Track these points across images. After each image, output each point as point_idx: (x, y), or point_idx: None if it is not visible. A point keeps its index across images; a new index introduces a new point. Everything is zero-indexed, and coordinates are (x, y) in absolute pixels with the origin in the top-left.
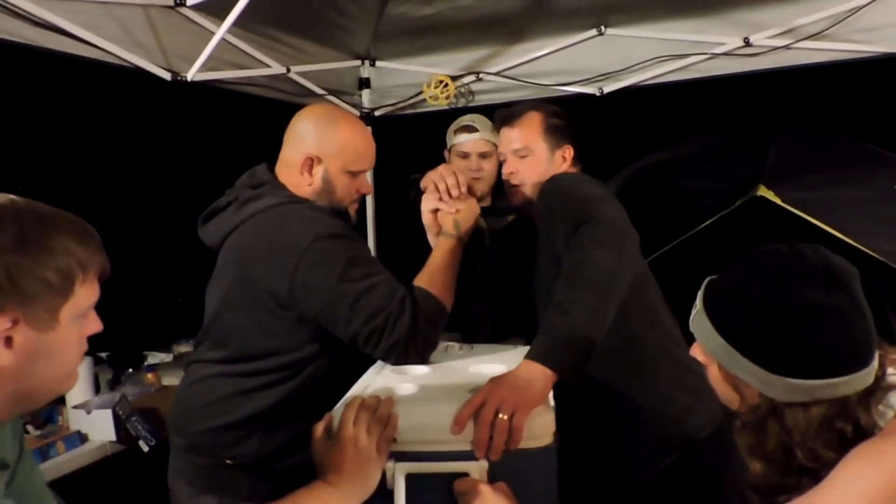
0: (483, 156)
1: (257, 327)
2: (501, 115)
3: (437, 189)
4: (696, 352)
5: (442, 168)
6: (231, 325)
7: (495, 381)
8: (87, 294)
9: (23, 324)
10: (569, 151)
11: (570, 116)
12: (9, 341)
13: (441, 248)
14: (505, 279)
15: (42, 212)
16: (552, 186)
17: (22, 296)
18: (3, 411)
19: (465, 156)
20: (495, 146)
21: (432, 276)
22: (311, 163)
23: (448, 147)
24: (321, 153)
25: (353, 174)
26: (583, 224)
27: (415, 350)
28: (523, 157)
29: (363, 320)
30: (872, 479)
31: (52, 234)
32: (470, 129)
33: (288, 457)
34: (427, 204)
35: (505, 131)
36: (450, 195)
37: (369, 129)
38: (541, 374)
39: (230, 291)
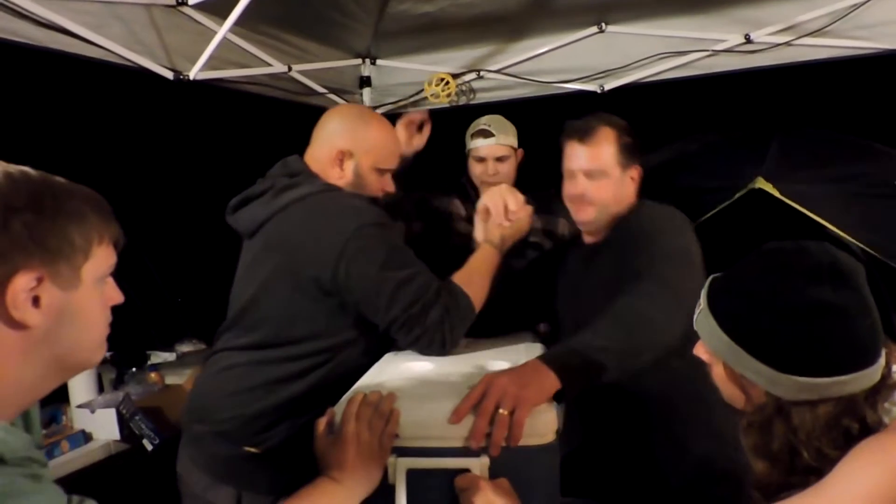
0: (499, 160)
1: (298, 313)
2: (573, 128)
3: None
4: (700, 351)
5: (505, 189)
6: (269, 311)
7: (498, 374)
8: (105, 256)
9: (48, 282)
10: (637, 171)
11: (634, 132)
12: (36, 301)
13: (482, 252)
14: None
15: (55, 180)
16: (649, 224)
17: (45, 252)
18: (39, 383)
19: (482, 160)
20: (513, 149)
21: (469, 277)
22: (342, 157)
23: (466, 150)
24: (353, 148)
25: (381, 172)
26: (651, 276)
27: (440, 341)
28: (594, 178)
29: (402, 307)
30: (876, 475)
31: (67, 199)
32: (486, 133)
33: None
34: (484, 200)
35: (575, 146)
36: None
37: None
38: (545, 375)
39: (270, 278)
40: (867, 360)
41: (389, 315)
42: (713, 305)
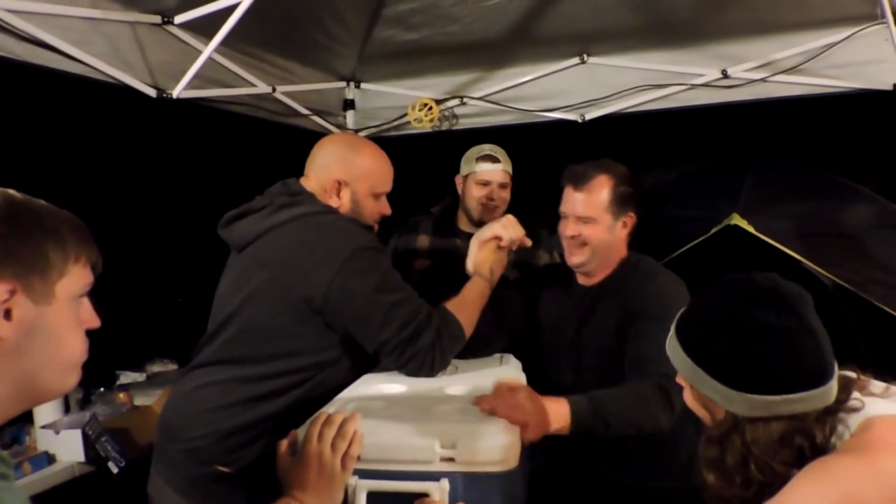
0: (502, 186)
1: (283, 329)
2: (572, 173)
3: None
4: (680, 378)
5: (514, 219)
6: (253, 324)
7: (531, 393)
8: (80, 274)
9: (20, 294)
10: (631, 219)
11: (636, 180)
12: (8, 314)
13: (474, 284)
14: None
15: (37, 201)
16: (662, 298)
17: (18, 264)
18: (7, 402)
19: (486, 184)
20: (511, 176)
21: (461, 305)
22: (338, 186)
23: (463, 174)
24: (348, 177)
25: (377, 196)
26: (652, 366)
27: (430, 364)
28: (586, 222)
29: (395, 329)
30: (825, 493)
31: (45, 217)
32: (493, 159)
33: None
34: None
35: (571, 192)
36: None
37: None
38: (559, 413)
39: (258, 291)
40: (813, 381)
41: (382, 336)
42: (680, 332)
